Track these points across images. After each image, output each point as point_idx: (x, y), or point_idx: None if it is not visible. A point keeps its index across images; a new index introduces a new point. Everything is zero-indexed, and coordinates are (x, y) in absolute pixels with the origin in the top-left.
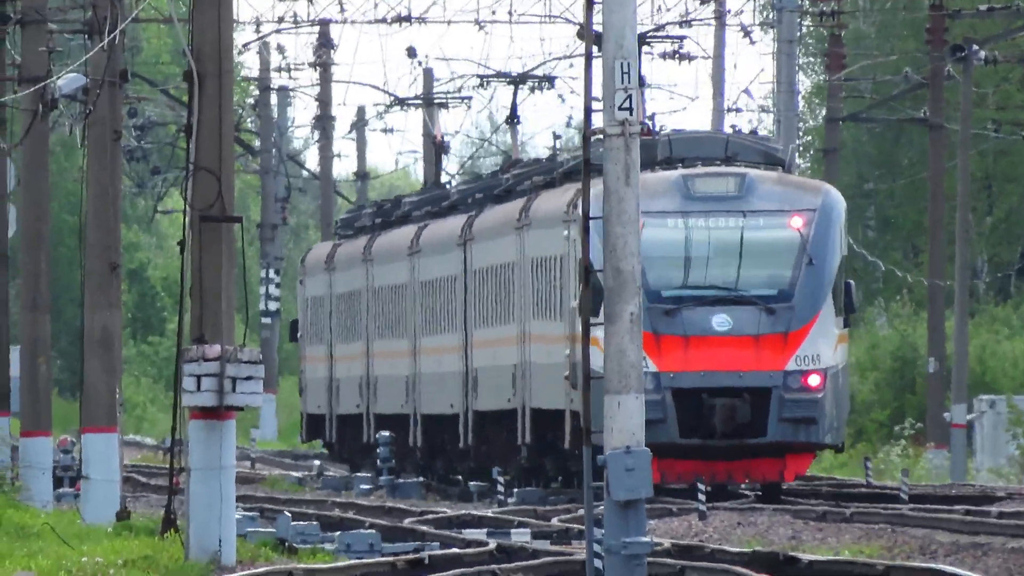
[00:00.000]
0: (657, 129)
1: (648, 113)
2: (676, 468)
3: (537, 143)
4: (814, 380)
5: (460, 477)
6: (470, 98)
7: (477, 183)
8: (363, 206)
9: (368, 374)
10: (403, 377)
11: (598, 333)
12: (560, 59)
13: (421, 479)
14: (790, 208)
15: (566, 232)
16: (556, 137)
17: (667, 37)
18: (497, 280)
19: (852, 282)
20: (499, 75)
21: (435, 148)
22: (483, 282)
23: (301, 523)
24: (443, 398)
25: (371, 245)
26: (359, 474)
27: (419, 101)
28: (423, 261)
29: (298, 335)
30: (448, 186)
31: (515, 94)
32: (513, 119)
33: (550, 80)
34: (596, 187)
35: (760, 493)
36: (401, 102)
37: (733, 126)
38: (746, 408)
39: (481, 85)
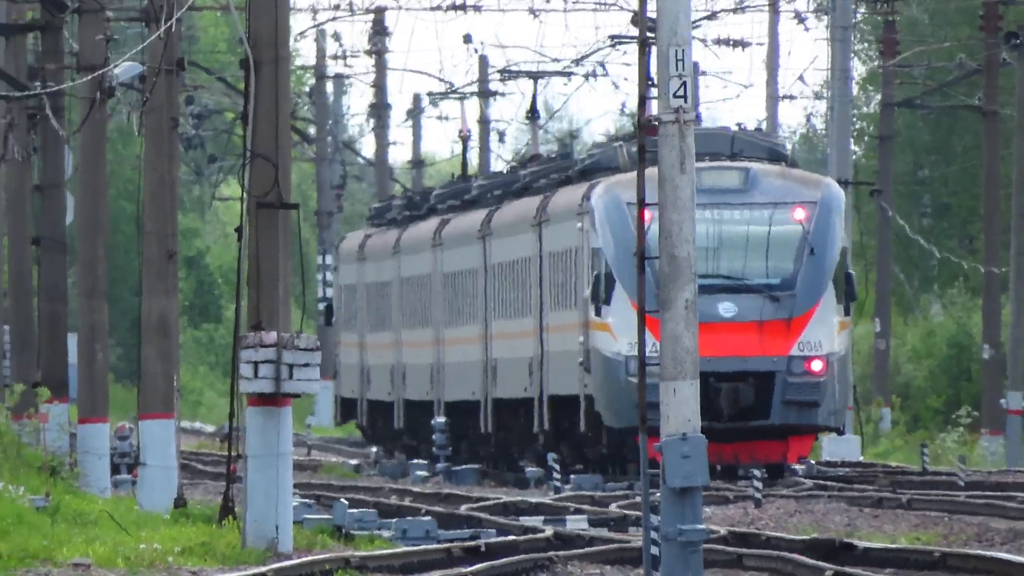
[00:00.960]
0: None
1: (702, 100)
2: None
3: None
4: (816, 365)
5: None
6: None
7: (498, 178)
8: (393, 197)
9: (397, 362)
10: (428, 366)
11: (609, 320)
12: (614, 46)
13: (478, 466)
14: (792, 201)
15: (579, 225)
16: (573, 136)
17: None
18: (515, 274)
19: (852, 272)
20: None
21: (462, 142)
22: (502, 276)
23: (358, 510)
24: (465, 386)
25: (400, 237)
26: (415, 461)
27: (474, 88)
28: (446, 254)
29: (332, 320)
30: (474, 179)
31: (535, 91)
32: (533, 114)
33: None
34: (603, 185)
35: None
36: (456, 89)
37: (739, 123)
38: (750, 392)
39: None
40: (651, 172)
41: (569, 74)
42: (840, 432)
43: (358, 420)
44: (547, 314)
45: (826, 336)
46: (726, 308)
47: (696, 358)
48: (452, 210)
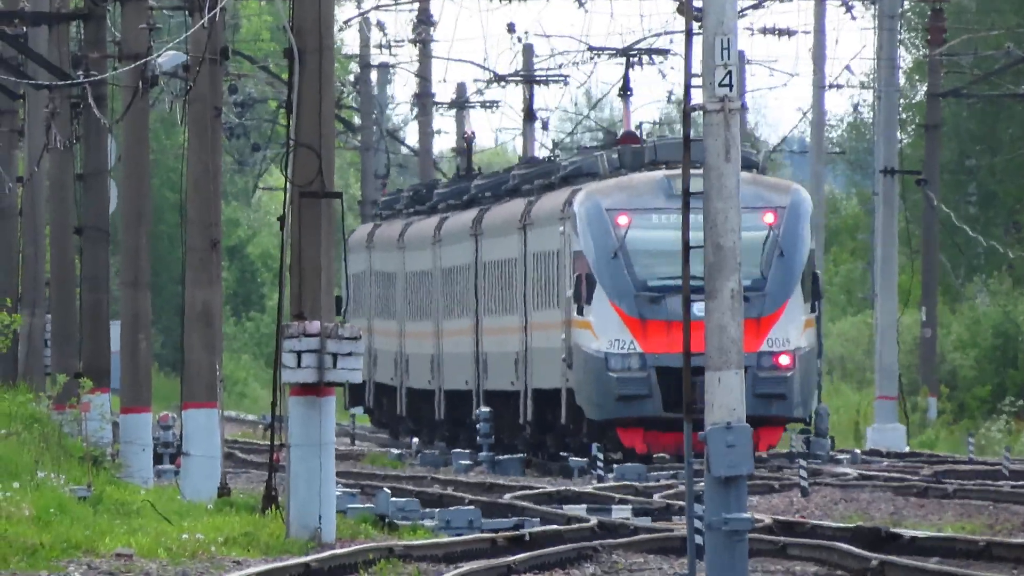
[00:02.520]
0: (645, 135)
1: (748, 88)
2: (660, 439)
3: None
4: (784, 360)
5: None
6: (566, 77)
7: (492, 178)
8: (401, 190)
9: (400, 351)
10: (429, 356)
11: (590, 318)
12: (660, 35)
13: (521, 456)
14: (763, 205)
15: (561, 229)
16: (555, 145)
17: None
18: (503, 273)
19: (819, 272)
20: (610, 48)
21: (465, 143)
22: (491, 274)
23: (401, 499)
24: (460, 376)
25: (405, 231)
26: (458, 450)
27: (519, 77)
28: (444, 250)
29: (342, 310)
30: (477, 174)
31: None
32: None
33: (662, 53)
34: (584, 189)
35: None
36: (501, 78)
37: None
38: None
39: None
40: (628, 179)
41: (666, 51)
42: (807, 423)
43: (365, 403)
44: (531, 312)
45: (794, 333)
46: (700, 308)
47: (741, 347)
48: (452, 208)
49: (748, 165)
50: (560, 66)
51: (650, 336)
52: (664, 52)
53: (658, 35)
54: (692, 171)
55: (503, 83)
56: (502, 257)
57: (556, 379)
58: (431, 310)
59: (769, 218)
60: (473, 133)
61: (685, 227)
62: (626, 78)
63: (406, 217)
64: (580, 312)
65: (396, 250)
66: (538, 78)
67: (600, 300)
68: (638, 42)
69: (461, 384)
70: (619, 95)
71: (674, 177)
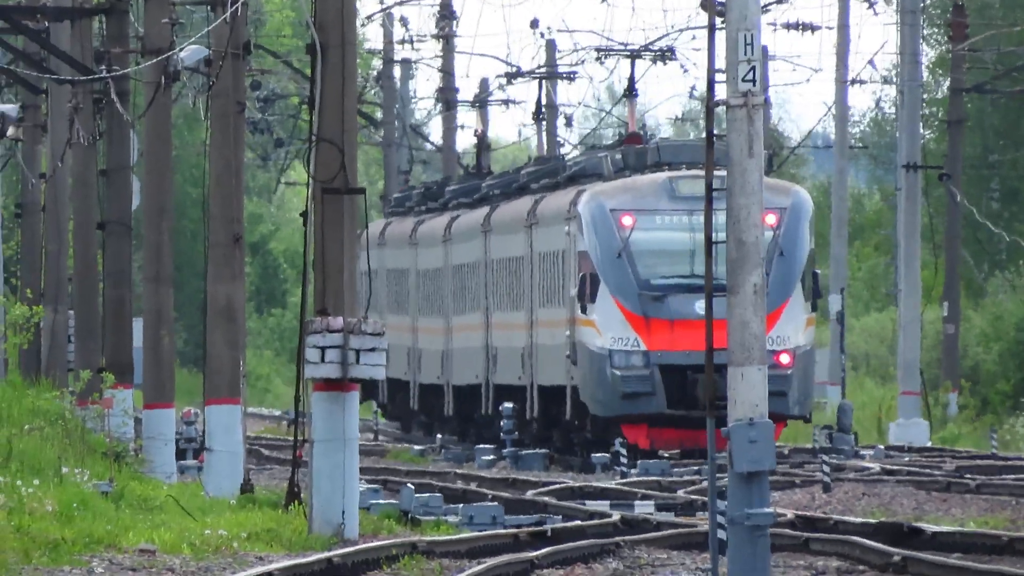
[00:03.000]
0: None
1: (771, 84)
2: (664, 435)
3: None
4: (784, 358)
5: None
6: (573, 73)
7: (502, 177)
8: (413, 187)
9: (413, 346)
10: (439, 351)
11: (594, 317)
12: (683, 31)
13: (544, 451)
14: (764, 206)
15: (567, 228)
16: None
17: None
18: (511, 270)
19: (819, 271)
20: (616, 49)
21: (477, 141)
22: (500, 271)
23: (424, 495)
24: (470, 371)
25: (416, 228)
26: (481, 446)
27: (542, 72)
28: (454, 247)
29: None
30: (488, 173)
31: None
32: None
33: (671, 52)
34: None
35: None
36: (523, 74)
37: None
38: (724, 383)
39: (599, 59)
40: (632, 180)
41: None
42: (807, 420)
43: (379, 398)
44: (537, 310)
45: (793, 331)
46: (699, 306)
47: (763, 343)
48: (463, 206)
49: None
50: (582, 62)
51: (653, 334)
52: (671, 52)
53: (681, 31)
54: (694, 172)
55: (528, 78)
56: (510, 255)
57: (561, 376)
58: (442, 306)
59: (770, 219)
60: (483, 131)
61: (708, 223)
62: (631, 79)
63: (418, 215)
64: (584, 310)
65: (408, 247)
66: (559, 74)
67: (604, 299)
68: (659, 38)
69: (471, 378)
70: (624, 95)
71: (677, 179)
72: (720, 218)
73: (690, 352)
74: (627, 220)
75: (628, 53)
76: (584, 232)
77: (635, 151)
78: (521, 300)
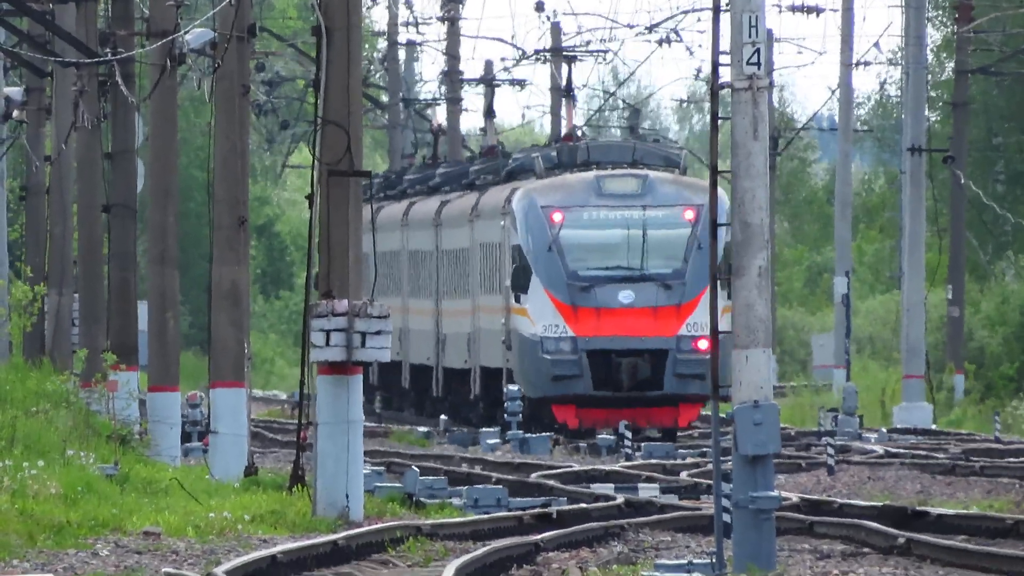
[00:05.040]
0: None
1: (776, 66)
2: (591, 415)
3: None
4: (702, 344)
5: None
6: (605, 51)
7: (454, 168)
8: (378, 174)
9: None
10: (397, 329)
11: (527, 305)
12: (688, 12)
13: (549, 435)
14: (683, 203)
15: (503, 223)
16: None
17: None
18: (458, 260)
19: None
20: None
21: (433, 134)
22: (449, 261)
23: (429, 478)
24: (423, 352)
25: (377, 214)
26: (486, 429)
27: (547, 55)
28: (410, 234)
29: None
30: (443, 162)
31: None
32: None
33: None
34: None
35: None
36: (529, 56)
37: (640, 135)
38: (646, 366)
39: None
40: (562, 179)
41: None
42: (725, 399)
43: (367, 379)
44: (479, 297)
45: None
46: (626, 296)
47: (769, 325)
48: (419, 194)
49: (672, 165)
50: (587, 43)
51: (581, 321)
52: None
53: (686, 13)
54: (622, 172)
55: (534, 58)
56: (457, 246)
57: (500, 359)
58: (399, 292)
59: (689, 215)
60: (441, 125)
61: (713, 204)
62: (569, 80)
63: (379, 200)
64: (518, 300)
65: (366, 232)
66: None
67: (536, 289)
68: (663, 21)
69: (423, 360)
70: (562, 96)
71: (604, 177)
72: (649, 214)
73: (614, 338)
74: (557, 216)
75: (566, 57)
76: (518, 227)
77: (567, 150)
78: (467, 288)
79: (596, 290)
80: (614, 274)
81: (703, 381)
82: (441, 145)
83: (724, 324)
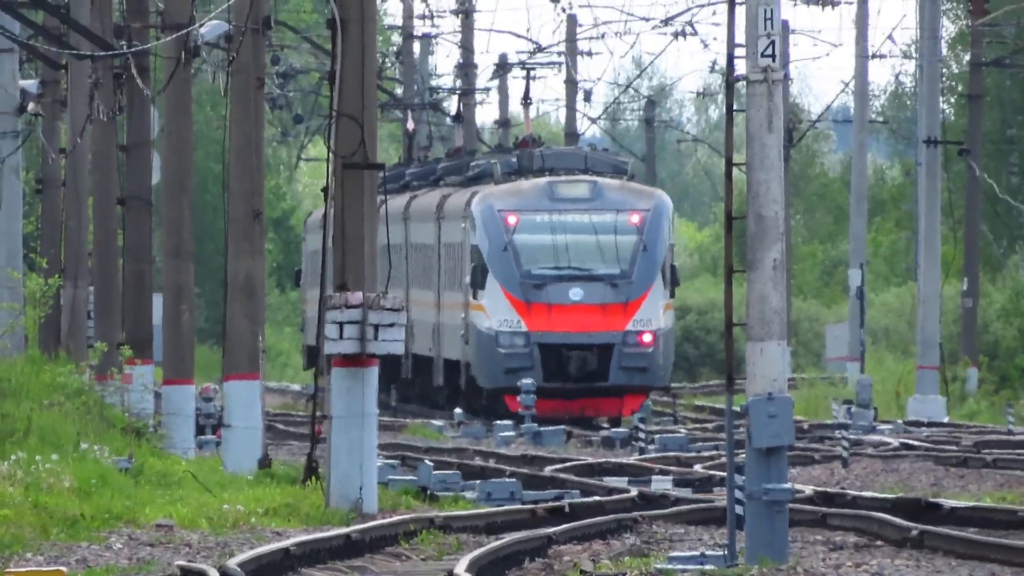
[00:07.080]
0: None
1: (791, 59)
2: (543, 406)
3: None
4: (647, 338)
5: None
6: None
7: (426, 166)
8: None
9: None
10: None
11: (483, 302)
12: (704, 6)
13: (563, 428)
14: (630, 208)
15: (463, 225)
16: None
17: None
18: (425, 255)
19: (676, 264)
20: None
21: (406, 136)
22: (416, 255)
23: (442, 471)
24: None
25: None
26: (499, 422)
27: (562, 48)
28: (381, 230)
29: (300, 282)
30: (418, 160)
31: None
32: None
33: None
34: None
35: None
36: (544, 49)
37: (592, 144)
38: (594, 359)
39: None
40: (517, 184)
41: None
42: (667, 390)
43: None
44: (442, 292)
45: (655, 315)
46: (575, 293)
47: (783, 317)
48: (391, 192)
49: (620, 172)
50: (603, 36)
51: (533, 317)
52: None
53: (701, 6)
54: (573, 178)
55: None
56: (424, 242)
57: (459, 351)
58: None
59: (635, 219)
60: (414, 126)
61: (728, 197)
62: (527, 88)
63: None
64: (476, 296)
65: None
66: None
67: (492, 286)
68: (679, 14)
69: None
70: (521, 103)
71: (556, 183)
72: (598, 218)
73: (565, 333)
74: (512, 219)
75: (524, 65)
76: (476, 229)
77: (524, 157)
78: (432, 282)
79: (548, 288)
80: (564, 273)
81: (646, 373)
82: (455, 139)
83: (664, 321)
